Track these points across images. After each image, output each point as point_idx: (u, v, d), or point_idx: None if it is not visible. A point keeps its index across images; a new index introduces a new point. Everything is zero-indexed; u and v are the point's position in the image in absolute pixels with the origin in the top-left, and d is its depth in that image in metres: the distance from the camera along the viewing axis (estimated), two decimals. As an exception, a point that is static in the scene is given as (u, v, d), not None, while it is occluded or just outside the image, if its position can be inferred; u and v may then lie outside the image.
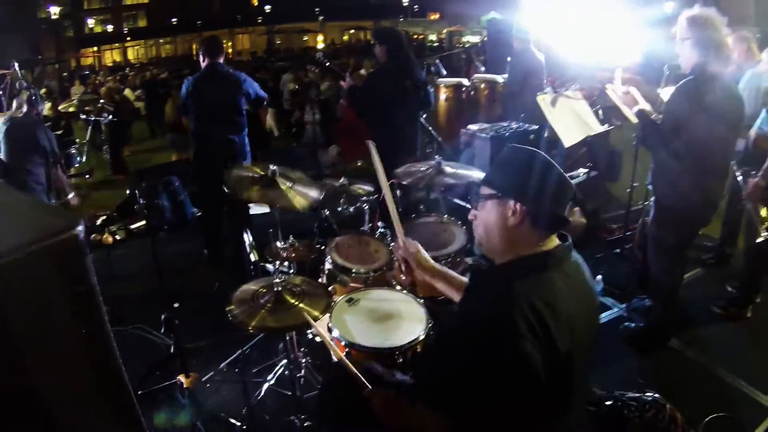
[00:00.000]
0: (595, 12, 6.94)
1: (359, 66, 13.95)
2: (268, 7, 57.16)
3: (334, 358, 3.09)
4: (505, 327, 1.81)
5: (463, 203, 6.03)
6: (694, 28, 3.71)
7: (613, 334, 4.59)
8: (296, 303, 3.01)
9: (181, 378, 3.71)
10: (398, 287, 3.60)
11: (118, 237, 7.58)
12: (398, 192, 4.67)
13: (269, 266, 4.00)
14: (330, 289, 3.59)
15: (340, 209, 4.91)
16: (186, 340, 4.25)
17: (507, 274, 2.02)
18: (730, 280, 5.16)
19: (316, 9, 56.04)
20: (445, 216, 4.44)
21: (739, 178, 4.61)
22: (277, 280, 3.09)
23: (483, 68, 10.42)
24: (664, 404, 3.34)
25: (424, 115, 5.80)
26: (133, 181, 8.61)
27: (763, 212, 4.33)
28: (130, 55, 54.70)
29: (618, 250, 5.97)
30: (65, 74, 32.32)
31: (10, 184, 5.71)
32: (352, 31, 60.02)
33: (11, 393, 1.22)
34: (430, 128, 5.44)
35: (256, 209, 6.48)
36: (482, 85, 9.22)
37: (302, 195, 3.56)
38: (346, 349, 2.98)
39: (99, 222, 7.95)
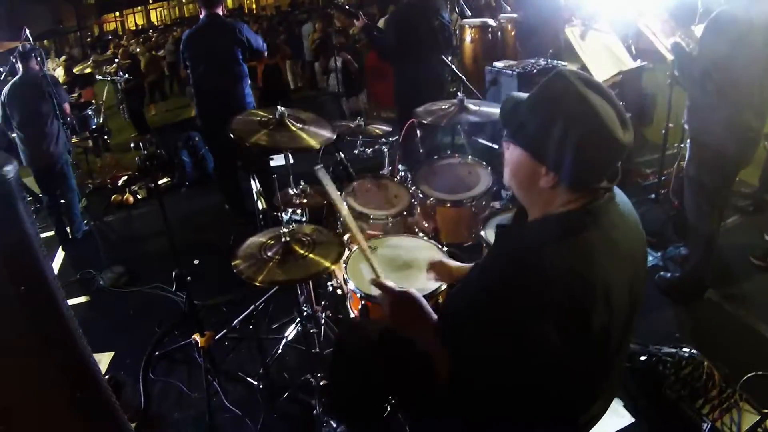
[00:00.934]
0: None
1: (384, 13, 13.76)
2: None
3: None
4: (532, 304, 1.61)
5: (489, 143, 5.85)
6: None
7: (648, 284, 4.34)
8: (306, 254, 2.83)
9: (196, 337, 3.61)
10: (420, 234, 3.44)
11: (139, 196, 7.60)
12: (418, 132, 4.49)
13: (280, 215, 3.84)
14: (346, 238, 3.40)
15: (356, 151, 4.70)
16: (204, 297, 4.29)
17: (537, 237, 1.76)
18: (770, 230, 4.95)
19: (340, -42, 55.46)
20: (470, 157, 4.26)
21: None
22: (285, 230, 2.90)
23: (509, 8, 10.08)
24: (702, 361, 3.33)
25: (449, 58, 5.60)
26: (153, 138, 8.54)
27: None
28: (153, 17, 54.66)
29: (653, 196, 5.78)
30: (88, 40, 32.36)
31: (30, 144, 5.90)
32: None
33: None
34: (454, 68, 5.25)
35: (278, 160, 6.35)
36: (509, 26, 8.93)
37: (314, 135, 3.33)
38: (362, 302, 2.82)
39: (120, 183, 7.95)
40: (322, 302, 3.93)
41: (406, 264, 3.06)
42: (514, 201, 3.86)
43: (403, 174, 4.35)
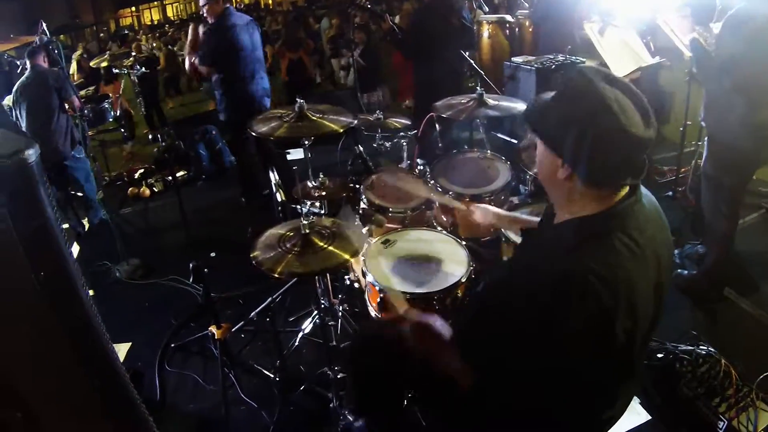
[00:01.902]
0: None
1: (400, 9, 13.74)
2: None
3: (372, 312, 2.97)
4: (555, 309, 1.65)
5: (507, 138, 5.88)
6: None
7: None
8: (325, 246, 2.83)
9: (212, 329, 3.62)
10: (438, 227, 3.44)
11: (156, 189, 7.64)
12: (437, 126, 4.50)
13: (299, 207, 3.86)
14: (365, 230, 3.42)
15: (375, 145, 4.70)
16: (221, 290, 4.27)
17: (562, 243, 1.79)
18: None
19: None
20: (489, 151, 4.25)
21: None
22: (305, 222, 2.91)
23: (526, 4, 10.10)
24: (719, 359, 3.33)
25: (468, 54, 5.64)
26: (171, 130, 8.61)
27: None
28: (170, 12, 54.81)
29: (670, 193, 5.74)
30: (102, 36, 32.53)
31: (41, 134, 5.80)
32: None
33: None
34: (473, 63, 5.28)
35: (294, 154, 6.37)
36: (526, 22, 8.97)
37: (334, 122, 3.41)
38: (381, 294, 2.83)
39: (137, 175, 8.01)
40: (339, 295, 3.94)
41: (426, 257, 3.07)
42: (533, 196, 3.86)
43: (421, 168, 4.34)
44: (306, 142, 3.58)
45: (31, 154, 1.12)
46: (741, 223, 4.48)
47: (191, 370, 4.00)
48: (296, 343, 4.00)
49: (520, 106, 4.00)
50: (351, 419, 3.21)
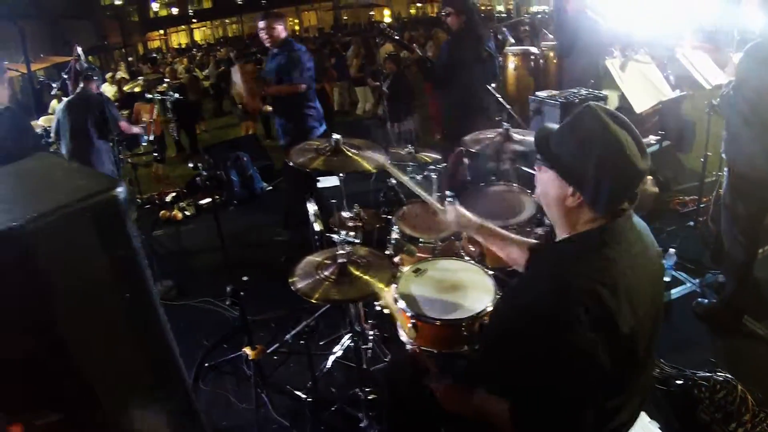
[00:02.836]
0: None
1: (429, 38, 13.88)
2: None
3: (402, 337, 3.10)
4: (563, 318, 1.80)
5: (533, 171, 5.86)
6: None
7: (686, 310, 4.47)
8: (361, 275, 2.99)
9: (247, 350, 3.75)
10: (466, 257, 3.56)
11: (187, 213, 7.80)
12: (465, 160, 4.63)
13: (335, 237, 4.01)
14: (397, 259, 3.56)
15: (407, 178, 4.80)
16: (253, 313, 4.34)
17: (563, 255, 2.00)
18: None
19: (383, -17, 55.65)
20: (515, 185, 4.38)
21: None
22: (341, 252, 3.07)
23: (550, 36, 10.20)
24: (736, 385, 3.38)
25: (494, 85, 5.78)
26: (202, 157, 8.78)
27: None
28: (197, 36, 55.54)
29: (691, 223, 5.81)
30: (131, 59, 33.01)
31: (76, 157, 5.98)
32: (419, 4, 59.62)
33: (43, 348, 1.23)
34: (499, 96, 5.40)
35: (324, 182, 6.53)
36: (551, 53, 9.03)
37: (369, 159, 3.53)
38: (412, 321, 2.96)
39: (169, 199, 8.19)
40: (369, 321, 4.06)
41: (454, 286, 3.18)
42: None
43: (450, 200, 4.47)
44: (341, 175, 3.76)
45: (121, 191, 1.28)
46: (761, 252, 4.53)
47: (224, 389, 4.10)
48: (327, 366, 4.08)
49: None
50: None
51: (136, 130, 7.35)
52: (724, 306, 4.31)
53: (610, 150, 1.83)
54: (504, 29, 10.04)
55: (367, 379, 3.60)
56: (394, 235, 3.97)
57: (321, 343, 4.36)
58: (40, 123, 8.01)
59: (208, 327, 4.86)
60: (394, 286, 3.09)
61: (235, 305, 3.90)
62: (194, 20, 55.54)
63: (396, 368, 3.19)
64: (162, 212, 7.77)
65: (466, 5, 5.93)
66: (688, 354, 3.89)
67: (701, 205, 5.79)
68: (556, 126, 2.05)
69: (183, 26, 54.98)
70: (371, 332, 4.01)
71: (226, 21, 57.10)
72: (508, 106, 5.00)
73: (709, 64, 4.13)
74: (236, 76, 5.96)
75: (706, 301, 4.50)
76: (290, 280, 3.00)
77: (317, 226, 3.99)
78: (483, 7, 43.11)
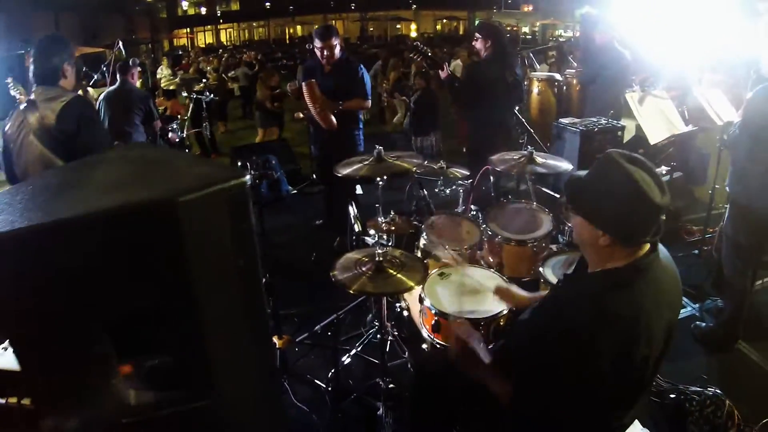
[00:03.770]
0: (689, 10, 6.79)
1: (452, 55, 13.97)
2: (362, -6, 57.36)
3: (424, 333, 3.42)
4: (587, 344, 2.04)
5: (551, 192, 6.21)
6: None
7: (685, 331, 4.65)
8: (395, 273, 3.31)
9: (275, 339, 4.04)
10: (486, 266, 3.90)
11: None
12: (491, 178, 4.95)
13: (368, 239, 4.33)
14: (424, 262, 3.90)
15: (437, 190, 5.29)
16: (279, 308, 4.54)
17: (596, 287, 2.17)
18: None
19: (411, -3, 55.98)
20: (534, 203, 4.66)
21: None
22: (379, 251, 3.41)
23: (575, 63, 10.40)
24: (724, 401, 3.58)
25: (517, 108, 6.04)
26: (231, 158, 9.11)
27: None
28: (223, 37, 55.72)
29: (696, 251, 6.02)
30: (153, 55, 33.31)
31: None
32: (444, 20, 59.95)
33: (173, 297, 1.53)
34: (523, 120, 5.66)
35: (359, 191, 6.83)
36: (574, 81, 9.16)
37: (409, 162, 4.00)
38: (435, 317, 3.29)
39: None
40: (390, 322, 4.33)
41: (475, 290, 3.50)
42: (570, 245, 4.22)
43: (474, 213, 4.80)
44: (380, 182, 4.12)
45: (249, 179, 1.59)
46: (760, 283, 4.75)
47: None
48: (349, 359, 4.31)
49: (565, 165, 4.41)
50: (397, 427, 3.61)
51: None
52: (720, 330, 4.50)
53: (628, 189, 2.03)
54: (530, 54, 10.27)
55: (387, 372, 3.82)
56: (423, 241, 4.26)
57: (343, 338, 4.56)
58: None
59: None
60: (420, 286, 3.41)
61: (269, 298, 4.17)
62: (221, 21, 55.85)
63: (423, 356, 3.54)
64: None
65: (496, 32, 6.20)
66: (683, 371, 4.08)
67: (707, 235, 5.97)
68: (583, 173, 2.26)
69: (210, 26, 55.24)
70: (393, 330, 4.31)
71: (253, 24, 57.47)
72: (530, 129, 5.28)
73: (723, 101, 4.33)
74: (307, 95, 5.90)
75: (704, 324, 4.70)
76: (331, 273, 3.34)
77: (357, 227, 4.33)
78: (509, 27, 43.01)
